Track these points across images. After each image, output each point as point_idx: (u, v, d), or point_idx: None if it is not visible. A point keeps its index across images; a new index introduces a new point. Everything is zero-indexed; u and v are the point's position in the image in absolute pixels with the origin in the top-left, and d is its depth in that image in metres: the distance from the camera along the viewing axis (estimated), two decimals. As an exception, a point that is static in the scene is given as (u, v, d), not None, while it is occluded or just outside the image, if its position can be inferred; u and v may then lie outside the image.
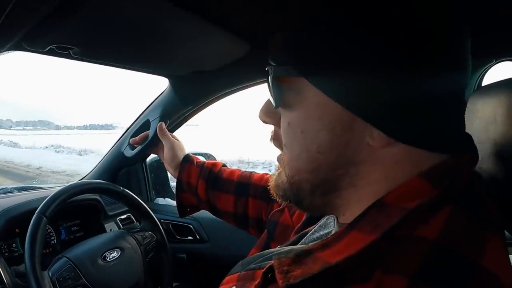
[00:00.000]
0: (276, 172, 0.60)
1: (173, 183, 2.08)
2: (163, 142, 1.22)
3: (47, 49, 0.92)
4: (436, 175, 0.44)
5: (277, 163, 0.60)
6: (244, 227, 1.11)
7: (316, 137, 0.48)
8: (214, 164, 1.15)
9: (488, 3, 0.81)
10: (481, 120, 0.57)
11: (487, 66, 1.17)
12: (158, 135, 1.23)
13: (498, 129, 0.54)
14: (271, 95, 0.53)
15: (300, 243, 0.65)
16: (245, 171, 1.15)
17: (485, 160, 0.52)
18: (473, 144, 0.49)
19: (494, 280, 0.38)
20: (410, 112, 0.43)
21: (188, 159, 1.15)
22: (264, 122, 0.59)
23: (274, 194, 0.59)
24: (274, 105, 0.53)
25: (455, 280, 0.37)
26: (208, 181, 1.11)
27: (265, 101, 0.58)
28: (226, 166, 1.18)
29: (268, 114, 0.58)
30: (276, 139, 0.58)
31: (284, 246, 0.64)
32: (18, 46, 0.89)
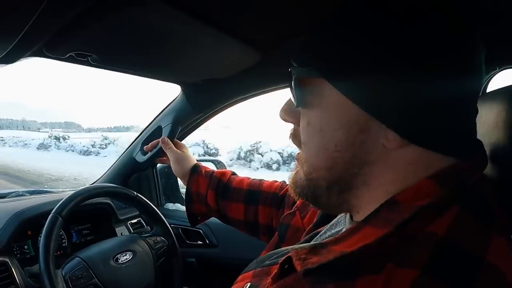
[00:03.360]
0: (294, 170, 0.61)
1: (183, 189, 2.08)
2: (168, 155, 1.25)
3: (66, 56, 0.95)
4: (446, 177, 0.45)
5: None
6: (254, 234, 1.12)
7: (333, 136, 0.50)
8: (223, 173, 1.17)
9: (492, 10, 0.82)
10: (484, 125, 0.58)
11: (491, 74, 1.17)
12: (163, 148, 1.27)
13: (500, 135, 0.56)
14: (293, 95, 0.55)
15: (313, 241, 0.66)
16: (255, 179, 1.16)
17: (489, 165, 0.53)
18: (483, 149, 0.51)
19: (500, 275, 0.40)
20: (424, 115, 0.45)
21: (196, 169, 1.17)
22: (285, 120, 0.61)
23: (292, 192, 0.60)
24: (295, 104, 0.55)
25: (462, 272, 0.39)
26: (218, 191, 1.12)
27: (286, 101, 0.61)
28: (235, 174, 1.20)
29: (289, 113, 0.60)
30: (295, 137, 0.59)
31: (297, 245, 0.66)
32: (39, 53, 0.92)
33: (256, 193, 1.10)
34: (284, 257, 0.49)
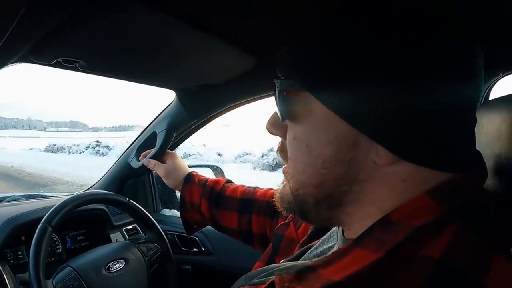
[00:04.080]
0: (281, 184, 0.59)
1: (179, 193, 2.09)
2: (158, 173, 1.27)
3: (53, 62, 0.93)
4: (443, 193, 0.43)
5: None
6: (249, 243, 1.11)
7: (321, 152, 0.48)
8: (217, 182, 1.16)
9: (494, 16, 0.81)
10: (486, 135, 0.56)
11: (494, 79, 1.16)
12: (151, 169, 1.30)
13: (503, 145, 0.53)
14: (278, 108, 0.53)
15: (302, 258, 0.64)
16: (249, 187, 1.15)
17: (490, 176, 0.51)
18: (482, 161, 0.48)
19: None
20: (416, 130, 0.43)
21: (189, 179, 1.18)
22: (271, 133, 0.59)
23: (279, 206, 0.59)
24: (280, 118, 0.53)
25: None
26: (211, 199, 1.12)
27: (272, 113, 0.58)
28: (231, 181, 1.19)
29: (275, 126, 0.57)
30: (282, 150, 0.57)
31: (288, 261, 0.64)
32: (25, 59, 0.90)
33: (249, 202, 1.09)
34: (268, 281, 0.48)
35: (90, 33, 0.82)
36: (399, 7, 0.43)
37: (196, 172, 1.24)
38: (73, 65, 0.98)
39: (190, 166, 2.12)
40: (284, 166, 0.58)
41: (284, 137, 0.56)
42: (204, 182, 1.16)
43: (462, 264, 0.39)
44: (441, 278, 0.38)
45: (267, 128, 0.59)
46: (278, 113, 0.53)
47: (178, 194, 2.07)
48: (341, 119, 0.45)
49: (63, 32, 0.78)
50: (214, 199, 1.12)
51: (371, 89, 0.43)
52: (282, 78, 0.52)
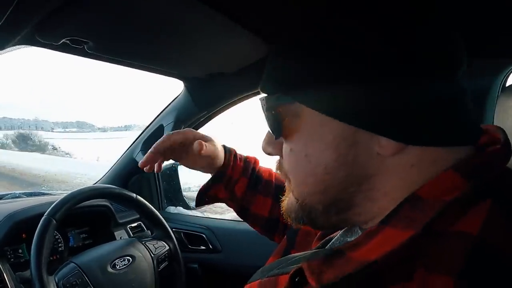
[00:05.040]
0: (285, 196, 0.59)
1: (185, 192, 2.08)
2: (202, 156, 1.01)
3: (60, 42, 0.91)
4: (468, 168, 0.42)
5: None
6: (270, 233, 1.04)
7: (321, 159, 0.47)
8: (255, 161, 1.06)
9: (508, 5, 0.80)
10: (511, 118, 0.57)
11: (510, 68, 1.17)
12: (197, 152, 0.98)
13: None
14: (269, 126, 0.53)
15: (326, 247, 0.62)
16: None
17: None
18: (507, 139, 0.47)
19: None
20: (413, 114, 0.43)
21: (230, 151, 1.03)
22: (269, 154, 0.58)
23: (287, 218, 0.57)
24: (274, 136, 0.53)
25: (503, 279, 0.36)
26: (251, 179, 1.03)
27: (266, 133, 0.58)
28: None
29: (272, 144, 0.57)
30: (281, 168, 0.57)
31: (308, 253, 0.61)
32: (31, 39, 0.88)
33: (283, 190, 1.02)
34: (294, 269, 0.46)
35: (100, 11, 0.80)
36: (381, 2, 0.43)
37: None
38: (81, 46, 0.95)
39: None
40: (286, 182, 0.58)
41: (282, 155, 0.55)
42: (244, 158, 1.05)
43: (501, 241, 0.38)
44: (481, 254, 0.37)
45: (263, 150, 0.59)
46: (271, 131, 0.53)
47: (184, 192, 2.06)
48: (335, 121, 0.45)
49: (72, 8, 0.76)
50: (253, 179, 1.03)
51: (360, 84, 0.43)
52: (266, 95, 0.52)
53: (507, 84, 1.23)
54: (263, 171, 1.04)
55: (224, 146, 1.02)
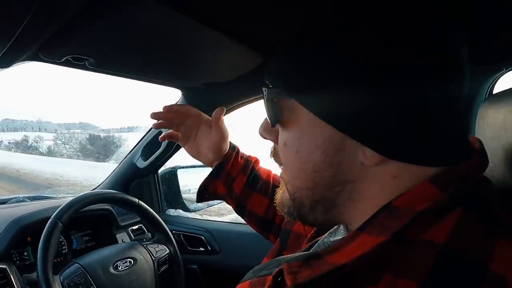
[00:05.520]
0: (280, 190, 0.61)
1: (184, 194, 2.10)
2: (215, 131, 1.02)
3: (63, 60, 0.94)
4: (445, 180, 0.44)
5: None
6: (264, 232, 1.05)
7: (311, 157, 0.49)
8: (256, 160, 1.08)
9: (497, 12, 0.81)
10: (491, 127, 0.58)
11: (497, 75, 1.17)
12: (213, 121, 1.02)
13: (509, 135, 0.54)
14: (267, 114, 0.55)
15: (311, 250, 0.65)
16: (276, 174, 1.09)
17: (497, 167, 0.53)
18: (482, 150, 0.49)
19: (502, 281, 0.38)
20: (400, 130, 0.43)
21: (234, 148, 1.06)
22: (264, 138, 0.61)
23: (280, 211, 0.60)
24: (270, 124, 0.56)
25: (465, 283, 0.38)
26: (249, 177, 1.04)
27: (264, 118, 0.60)
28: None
29: (267, 131, 0.59)
30: (276, 155, 0.59)
31: (292, 256, 0.64)
32: (35, 57, 0.90)
33: None
34: (277, 270, 0.48)
35: (100, 30, 0.82)
36: (377, 9, 0.44)
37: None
38: (82, 63, 0.98)
39: (193, 166, 2.14)
40: (281, 172, 0.59)
41: (276, 141, 0.58)
42: (246, 157, 1.07)
43: (466, 248, 0.39)
44: (446, 261, 0.38)
45: (259, 133, 0.61)
46: (268, 119, 0.56)
47: (183, 194, 2.09)
48: (327, 124, 0.46)
49: (74, 29, 0.78)
50: (251, 178, 1.05)
51: (352, 92, 0.44)
52: (269, 86, 0.54)
53: (495, 91, 1.21)
54: (262, 172, 1.06)
55: (230, 142, 1.04)
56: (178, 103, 0.96)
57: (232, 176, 1.03)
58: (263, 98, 0.55)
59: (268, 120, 0.56)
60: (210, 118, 1.02)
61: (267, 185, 1.03)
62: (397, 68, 0.42)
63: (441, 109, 0.44)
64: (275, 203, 1.02)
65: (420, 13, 0.43)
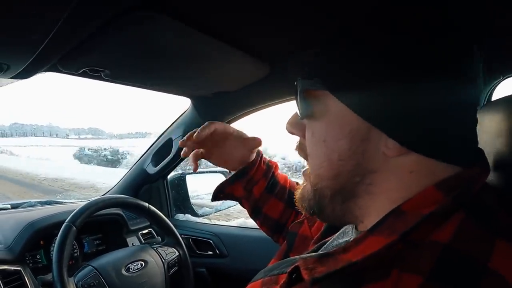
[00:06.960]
0: (302, 185, 0.63)
1: (193, 199, 2.14)
2: (248, 145, 1.05)
3: (80, 71, 0.98)
4: (450, 185, 0.46)
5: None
6: (275, 235, 1.08)
7: (337, 146, 0.52)
8: (276, 165, 1.11)
9: (495, 20, 0.84)
10: (487, 134, 0.59)
11: (495, 82, 1.17)
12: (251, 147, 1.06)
13: (503, 142, 0.57)
14: (298, 106, 0.57)
15: (320, 250, 0.67)
16: (292, 180, 1.12)
17: (491, 171, 0.54)
18: (485, 158, 0.52)
19: (503, 281, 0.40)
20: (423, 123, 0.46)
21: (258, 153, 1.08)
22: (291, 133, 0.63)
23: (299, 206, 0.62)
24: (300, 116, 0.58)
25: (466, 278, 0.40)
26: (269, 182, 1.06)
27: (292, 114, 0.63)
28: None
29: (295, 125, 0.62)
30: (301, 149, 0.62)
31: (305, 255, 0.67)
32: (53, 68, 0.94)
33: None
34: (292, 267, 0.50)
35: (118, 44, 0.86)
36: (409, 13, 0.47)
37: None
38: (98, 74, 1.02)
39: (201, 172, 2.16)
40: (305, 169, 0.62)
41: (302, 136, 0.60)
42: (267, 162, 1.09)
43: (468, 247, 0.42)
44: (448, 260, 0.41)
45: (287, 128, 0.64)
46: (298, 112, 0.58)
47: (192, 200, 2.12)
48: (354, 115, 0.49)
49: (92, 43, 0.83)
50: (271, 182, 1.07)
51: (383, 87, 0.47)
52: (302, 78, 0.56)
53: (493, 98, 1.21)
54: (280, 177, 1.08)
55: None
56: (199, 128, 0.92)
57: (254, 180, 1.05)
58: (296, 90, 0.56)
59: (299, 112, 0.57)
60: (238, 130, 1.03)
61: (284, 190, 1.06)
62: (424, 70, 0.45)
63: (461, 110, 0.47)
64: (290, 207, 1.05)
65: (447, 20, 0.47)
